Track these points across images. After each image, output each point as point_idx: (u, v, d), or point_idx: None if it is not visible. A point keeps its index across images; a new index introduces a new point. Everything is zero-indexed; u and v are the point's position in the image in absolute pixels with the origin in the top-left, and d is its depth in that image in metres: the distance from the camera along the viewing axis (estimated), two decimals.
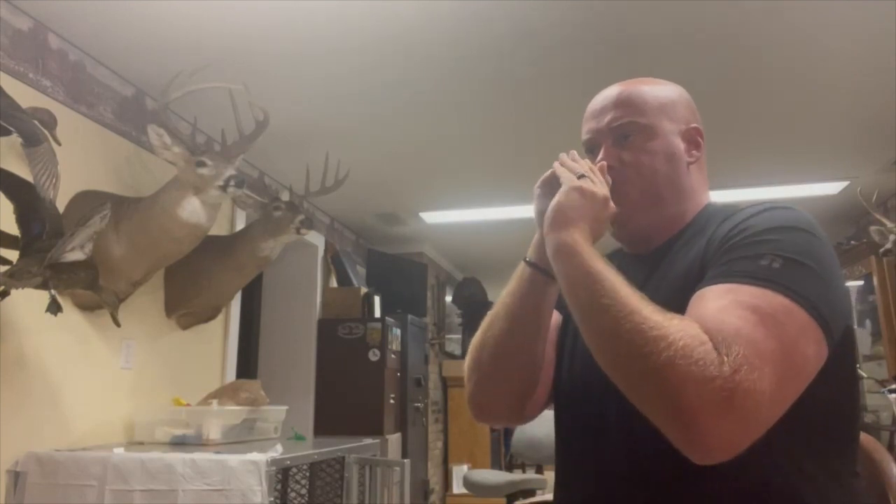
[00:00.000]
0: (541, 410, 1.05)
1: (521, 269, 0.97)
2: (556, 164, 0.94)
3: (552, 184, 0.93)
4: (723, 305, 0.74)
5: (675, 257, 0.92)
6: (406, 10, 2.20)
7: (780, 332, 0.71)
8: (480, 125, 3.17)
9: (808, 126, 3.23)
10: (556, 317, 1.03)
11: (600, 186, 0.89)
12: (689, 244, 0.92)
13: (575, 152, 0.95)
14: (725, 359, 0.68)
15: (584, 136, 1.02)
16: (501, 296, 1.00)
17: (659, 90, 1.00)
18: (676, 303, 0.78)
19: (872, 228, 3.73)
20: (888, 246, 3.56)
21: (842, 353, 0.79)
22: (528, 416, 1.04)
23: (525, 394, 1.00)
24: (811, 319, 0.74)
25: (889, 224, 3.62)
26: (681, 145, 0.97)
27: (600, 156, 0.97)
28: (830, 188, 4.12)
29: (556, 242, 0.86)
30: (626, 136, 0.96)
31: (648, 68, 2.59)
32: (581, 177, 0.89)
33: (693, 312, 0.76)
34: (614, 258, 1.01)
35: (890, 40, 2.40)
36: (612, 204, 0.90)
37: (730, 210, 0.91)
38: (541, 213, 0.95)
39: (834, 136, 3.37)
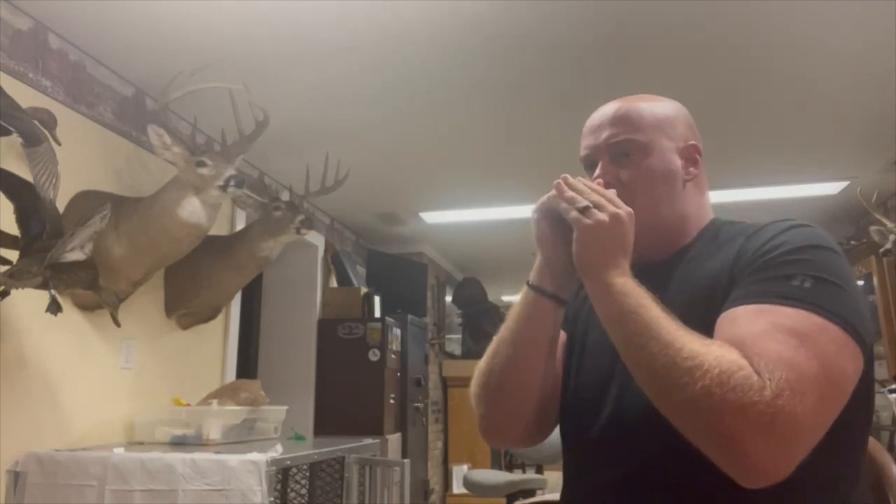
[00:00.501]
0: (551, 430, 1.04)
1: (524, 294, 0.97)
2: (556, 199, 0.91)
3: (549, 207, 0.92)
4: (761, 329, 0.74)
5: (688, 269, 0.92)
6: (406, 10, 2.20)
7: (819, 352, 0.72)
8: (481, 125, 3.17)
9: (808, 126, 3.23)
10: (561, 335, 1.03)
11: (609, 206, 0.87)
12: (702, 257, 0.92)
13: (568, 176, 0.92)
14: (768, 383, 0.69)
15: (583, 153, 1.01)
16: (506, 320, 0.99)
17: (657, 107, 0.99)
18: (696, 315, 0.79)
19: (872, 228, 3.73)
20: (888, 246, 3.56)
21: (863, 374, 0.80)
22: (541, 436, 1.04)
23: (537, 416, 1.00)
24: (846, 335, 0.75)
25: (889, 224, 3.62)
26: (678, 162, 0.97)
27: (597, 172, 0.97)
28: (830, 188, 4.12)
29: (589, 288, 0.87)
30: (623, 153, 0.96)
31: (649, 69, 2.61)
32: (585, 209, 0.87)
33: (729, 336, 0.76)
34: None
35: (890, 40, 2.40)
36: (623, 214, 0.87)
37: (749, 228, 0.91)
38: (538, 236, 0.95)
39: (834, 136, 3.37)
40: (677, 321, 0.77)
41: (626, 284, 0.83)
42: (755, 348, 0.72)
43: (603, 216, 0.86)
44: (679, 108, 1.02)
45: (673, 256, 0.96)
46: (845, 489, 0.83)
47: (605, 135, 0.98)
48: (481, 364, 1.01)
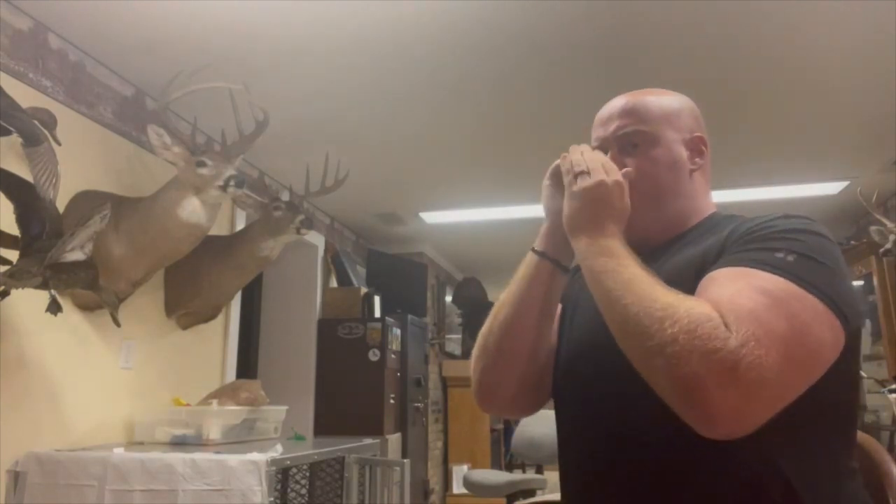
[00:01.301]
0: (545, 400, 1.07)
1: (528, 258, 1.02)
2: (563, 162, 0.97)
3: (558, 176, 0.98)
4: (737, 289, 0.76)
5: (679, 252, 0.95)
6: (407, 10, 2.20)
7: (791, 314, 0.74)
8: (481, 125, 3.17)
9: (808, 126, 3.23)
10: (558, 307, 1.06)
11: (597, 173, 0.92)
12: (695, 242, 0.94)
13: (583, 145, 0.98)
14: (734, 334, 0.70)
15: (593, 144, 1.05)
16: (509, 284, 1.03)
17: (664, 100, 1.04)
18: (685, 286, 0.81)
19: (872, 228, 3.73)
20: (888, 246, 3.56)
21: (847, 352, 0.80)
22: (534, 405, 1.07)
23: (529, 378, 1.03)
24: (825, 307, 0.76)
25: (889, 224, 3.61)
26: (684, 153, 1.01)
27: None
28: (830, 188, 4.12)
29: (576, 248, 0.92)
30: (630, 144, 1.00)
31: (649, 69, 2.61)
32: (579, 174, 0.92)
33: (706, 294, 0.78)
34: None
35: (890, 40, 2.40)
36: (618, 179, 0.92)
37: (742, 217, 0.94)
38: (546, 202, 1.02)
39: (834, 136, 3.37)
40: (657, 279, 0.80)
41: (611, 245, 0.87)
42: (728, 304, 0.74)
43: (589, 181, 0.91)
44: (685, 101, 1.06)
45: (670, 240, 0.99)
46: (836, 479, 0.83)
47: (613, 126, 1.02)
48: (483, 327, 1.05)
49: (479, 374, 1.05)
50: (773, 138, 3.37)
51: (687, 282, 0.84)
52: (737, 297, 0.75)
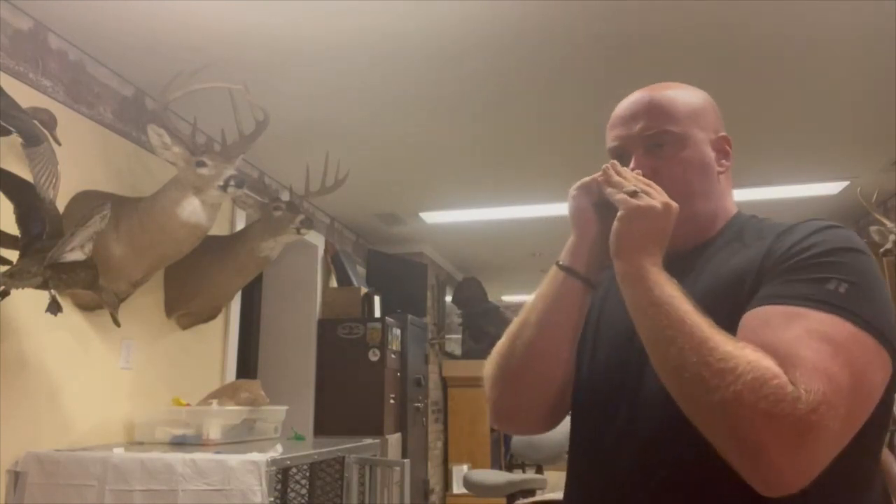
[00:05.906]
0: (564, 416, 1.01)
1: (553, 274, 0.93)
2: (602, 181, 0.89)
3: (590, 188, 0.91)
4: (795, 336, 0.72)
5: (712, 262, 0.90)
6: (406, 9, 2.20)
7: (851, 362, 0.71)
8: (481, 125, 3.17)
9: (808, 126, 3.23)
10: None
11: (657, 195, 0.85)
12: (727, 252, 0.90)
13: (617, 163, 0.90)
14: (804, 395, 0.67)
15: (612, 143, 0.97)
16: (530, 302, 0.95)
17: (689, 97, 0.97)
18: (718, 309, 0.77)
19: (872, 228, 3.73)
20: (888, 246, 3.56)
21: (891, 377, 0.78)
22: (554, 423, 1.01)
23: (552, 401, 0.96)
24: (879, 346, 0.73)
25: (889, 224, 3.61)
26: (711, 154, 0.96)
27: (632, 165, 0.94)
28: (830, 188, 4.12)
29: (621, 271, 0.84)
30: (658, 145, 0.93)
31: (648, 68, 2.61)
32: (634, 193, 0.85)
33: (761, 339, 0.73)
34: None
35: (890, 40, 2.40)
36: (673, 206, 0.85)
37: (779, 226, 0.89)
38: (576, 214, 0.92)
39: (834, 136, 3.37)
40: (710, 319, 0.75)
41: (661, 274, 0.81)
42: (791, 357, 0.70)
43: (655, 202, 0.84)
44: (706, 98, 1.00)
45: (697, 248, 0.94)
46: (855, 493, 0.81)
47: (639, 126, 0.94)
48: (500, 347, 0.96)
49: (497, 399, 0.96)
50: (773, 138, 3.37)
51: (723, 305, 0.80)
52: (798, 347, 0.71)
